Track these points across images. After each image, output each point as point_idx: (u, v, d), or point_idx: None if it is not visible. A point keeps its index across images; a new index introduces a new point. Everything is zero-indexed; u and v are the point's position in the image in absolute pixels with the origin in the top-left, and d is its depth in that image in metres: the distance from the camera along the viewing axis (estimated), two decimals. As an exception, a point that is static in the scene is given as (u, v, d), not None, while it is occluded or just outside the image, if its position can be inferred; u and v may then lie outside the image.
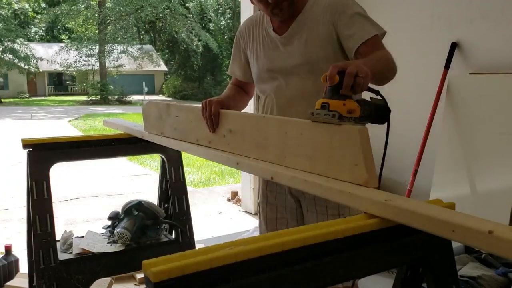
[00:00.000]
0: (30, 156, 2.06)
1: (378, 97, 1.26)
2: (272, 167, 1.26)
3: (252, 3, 1.59)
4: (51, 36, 33.30)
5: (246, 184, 4.56)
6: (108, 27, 25.98)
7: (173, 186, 2.37)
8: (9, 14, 26.50)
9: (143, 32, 30.88)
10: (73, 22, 26.98)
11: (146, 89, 26.17)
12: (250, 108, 4.06)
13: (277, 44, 1.59)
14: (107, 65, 26.70)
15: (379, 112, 1.22)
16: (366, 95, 1.22)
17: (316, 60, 1.51)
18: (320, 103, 1.13)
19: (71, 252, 2.15)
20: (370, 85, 1.22)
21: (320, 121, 1.13)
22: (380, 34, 1.50)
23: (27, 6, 28.31)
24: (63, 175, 6.52)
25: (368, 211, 0.96)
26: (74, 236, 2.27)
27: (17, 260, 2.74)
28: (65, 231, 2.30)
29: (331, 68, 1.12)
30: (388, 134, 1.27)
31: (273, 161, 1.30)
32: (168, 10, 26.51)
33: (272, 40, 1.61)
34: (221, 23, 31.29)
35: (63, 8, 26.07)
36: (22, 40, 26.18)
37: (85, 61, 26.71)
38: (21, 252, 2.81)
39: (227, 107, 1.56)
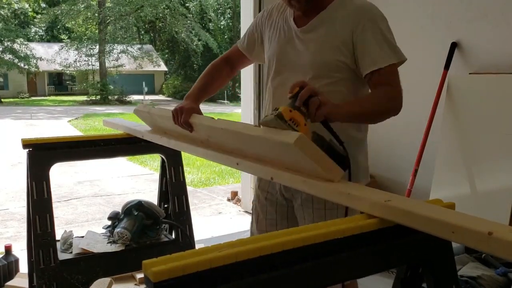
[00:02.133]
0: (30, 156, 2.06)
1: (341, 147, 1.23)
2: (272, 168, 1.26)
3: None
4: (51, 36, 33.27)
5: (246, 184, 4.55)
6: (108, 27, 25.97)
7: (173, 186, 2.37)
8: (9, 14, 26.48)
9: (143, 32, 30.89)
10: (73, 22, 26.96)
11: (146, 89, 26.16)
12: (250, 103, 4.06)
13: (292, 36, 1.53)
14: (107, 65, 26.68)
15: (333, 157, 1.14)
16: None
17: (324, 64, 1.45)
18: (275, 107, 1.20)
19: (71, 252, 2.15)
20: (348, 130, 1.39)
21: (266, 125, 1.18)
22: (398, 62, 1.41)
23: (27, 6, 28.27)
24: (63, 175, 6.52)
25: (368, 211, 0.96)
26: (74, 236, 2.27)
27: (17, 260, 2.74)
28: (65, 231, 2.30)
29: (296, 82, 1.21)
30: (350, 174, 1.24)
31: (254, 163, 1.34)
32: (168, 10, 26.51)
33: (289, 29, 1.54)
34: (221, 23, 31.29)
35: (63, 8, 26.06)
36: (22, 40, 26.16)
37: (85, 61, 26.70)
38: (21, 252, 2.81)
39: (198, 110, 1.58)
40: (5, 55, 25.19)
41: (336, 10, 1.46)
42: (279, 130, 1.14)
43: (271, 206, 1.69)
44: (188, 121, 1.53)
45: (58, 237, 2.15)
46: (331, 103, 1.22)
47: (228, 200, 5.19)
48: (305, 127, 1.16)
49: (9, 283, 2.58)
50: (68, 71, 28.51)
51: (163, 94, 30.84)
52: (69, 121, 15.91)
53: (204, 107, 1.78)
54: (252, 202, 1.80)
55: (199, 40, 27.23)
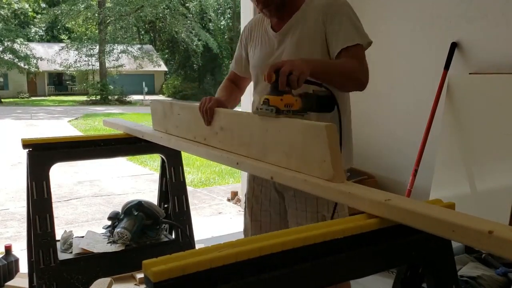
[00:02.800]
0: (30, 156, 2.06)
1: (323, 88, 1.36)
2: (271, 167, 1.27)
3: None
4: (51, 36, 33.26)
5: (246, 184, 4.55)
6: (108, 27, 25.97)
7: (173, 186, 2.37)
8: (9, 14, 26.47)
9: (143, 32, 30.89)
10: (73, 22, 26.97)
11: (146, 89, 26.17)
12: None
13: (273, 41, 1.63)
14: (107, 65, 26.68)
15: (322, 102, 1.33)
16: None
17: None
18: (262, 99, 1.28)
19: (71, 252, 2.15)
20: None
21: (263, 115, 1.29)
22: (364, 43, 1.52)
23: (27, 6, 28.25)
24: (63, 175, 6.52)
25: (368, 211, 0.96)
26: (74, 236, 2.27)
27: (17, 260, 2.74)
28: (65, 231, 2.30)
29: (269, 68, 1.26)
30: (340, 119, 1.35)
31: (256, 157, 1.36)
32: (168, 10, 26.50)
33: (270, 38, 1.65)
34: (221, 23, 31.29)
35: (63, 8, 26.06)
36: (22, 40, 26.15)
37: (85, 61, 26.69)
38: (21, 252, 2.81)
39: (224, 105, 1.63)
40: (5, 55, 25.18)
41: (308, 9, 1.57)
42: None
43: (266, 199, 1.76)
44: (213, 108, 1.57)
45: (58, 237, 2.15)
46: (304, 64, 1.27)
47: (228, 200, 5.19)
48: (296, 102, 1.29)
49: (9, 283, 2.58)
50: (68, 71, 28.51)
51: (163, 94, 30.84)
52: (69, 121, 15.90)
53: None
54: (246, 195, 1.88)
55: (199, 40, 27.22)
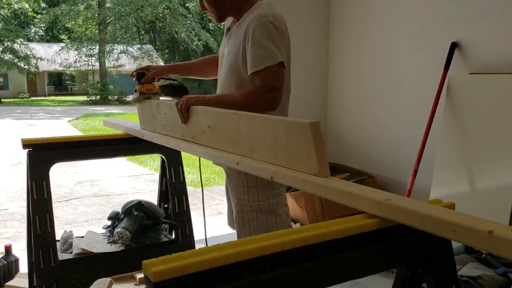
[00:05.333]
0: (30, 156, 2.06)
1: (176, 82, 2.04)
2: (271, 167, 1.27)
3: None
4: (51, 36, 33.24)
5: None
6: (108, 27, 25.94)
7: (173, 186, 2.37)
8: (9, 14, 26.47)
9: (143, 32, 30.85)
10: (73, 22, 26.94)
11: (146, 89, 26.13)
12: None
13: (225, 43, 1.80)
14: (107, 65, 26.66)
15: (175, 90, 2.03)
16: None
17: (231, 66, 1.68)
18: (134, 89, 2.02)
19: (71, 252, 2.15)
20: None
21: (138, 101, 2.02)
22: (272, 65, 1.57)
23: (27, 6, 28.25)
24: (63, 175, 6.52)
25: (368, 211, 0.96)
26: (74, 236, 2.28)
27: (17, 260, 2.73)
28: (65, 231, 2.30)
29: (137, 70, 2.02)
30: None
31: (244, 154, 1.40)
32: (168, 10, 26.47)
33: (225, 38, 1.82)
34: (221, 23, 31.23)
35: (63, 8, 26.02)
36: (22, 40, 26.14)
37: (85, 61, 26.66)
38: (21, 252, 2.81)
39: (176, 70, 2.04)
40: (5, 55, 25.17)
41: (246, 17, 1.66)
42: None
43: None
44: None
45: (58, 237, 2.15)
46: (195, 99, 1.66)
47: (228, 200, 5.18)
48: (155, 88, 1.99)
49: (9, 283, 2.58)
50: (68, 71, 28.49)
51: (163, 94, 30.82)
52: (69, 121, 15.90)
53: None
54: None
55: (199, 40, 27.20)
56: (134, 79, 1.99)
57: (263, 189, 1.66)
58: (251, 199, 1.67)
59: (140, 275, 2.71)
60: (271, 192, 1.67)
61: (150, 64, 2.07)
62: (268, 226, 1.67)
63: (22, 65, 25.93)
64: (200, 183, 2.08)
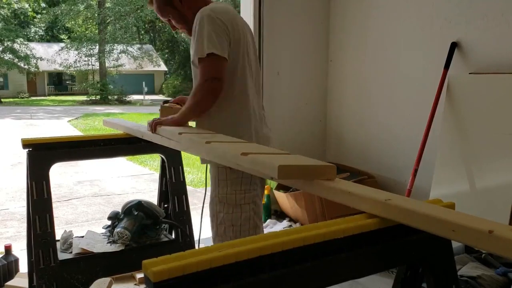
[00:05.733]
0: (30, 156, 2.06)
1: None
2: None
3: None
4: (51, 36, 33.23)
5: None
6: (108, 27, 25.94)
7: (173, 186, 2.37)
8: (9, 14, 26.46)
9: (143, 32, 30.83)
10: (73, 22, 26.92)
11: (146, 89, 26.13)
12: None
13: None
14: (107, 65, 26.65)
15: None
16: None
17: (193, 63, 1.78)
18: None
19: (71, 252, 2.15)
20: None
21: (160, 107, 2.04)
22: (202, 57, 1.65)
23: (27, 6, 28.23)
24: (63, 175, 6.52)
25: (368, 211, 0.96)
26: (74, 236, 2.28)
27: (17, 260, 2.73)
28: (65, 231, 2.30)
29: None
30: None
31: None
32: (168, 10, 26.43)
33: None
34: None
35: (63, 8, 26.02)
36: (22, 40, 26.13)
37: (85, 61, 26.66)
38: (21, 252, 2.81)
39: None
40: (5, 55, 25.16)
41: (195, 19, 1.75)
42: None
43: None
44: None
45: (58, 237, 2.15)
46: (170, 121, 1.78)
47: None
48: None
49: (9, 283, 2.58)
50: (68, 71, 28.49)
51: (163, 94, 30.81)
52: (69, 121, 15.89)
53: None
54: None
55: (199, 40, 27.16)
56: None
57: (231, 183, 1.71)
58: (220, 191, 1.73)
59: (140, 275, 2.71)
60: (239, 187, 1.72)
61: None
62: (233, 219, 1.72)
63: (22, 65, 25.92)
64: (200, 183, 2.08)
